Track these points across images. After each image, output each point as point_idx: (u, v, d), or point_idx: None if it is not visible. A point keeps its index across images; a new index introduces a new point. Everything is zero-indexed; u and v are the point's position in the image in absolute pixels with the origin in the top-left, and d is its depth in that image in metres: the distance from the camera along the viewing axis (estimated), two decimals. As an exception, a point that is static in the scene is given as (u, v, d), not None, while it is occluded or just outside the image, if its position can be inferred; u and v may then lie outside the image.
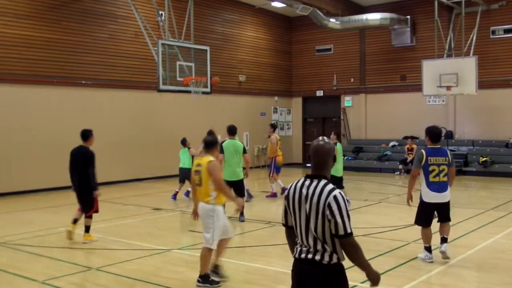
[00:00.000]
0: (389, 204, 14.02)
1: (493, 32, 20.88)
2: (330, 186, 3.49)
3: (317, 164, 3.60)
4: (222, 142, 11.17)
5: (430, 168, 7.59)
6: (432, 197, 7.63)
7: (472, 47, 19.56)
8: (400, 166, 20.85)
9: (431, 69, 19.25)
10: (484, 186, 17.59)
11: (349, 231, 3.41)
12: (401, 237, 9.40)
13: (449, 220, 7.90)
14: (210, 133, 8.65)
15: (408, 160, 20.56)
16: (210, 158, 6.62)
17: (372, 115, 23.93)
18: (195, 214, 6.93)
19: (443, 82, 18.84)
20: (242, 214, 11.24)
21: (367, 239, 9.13)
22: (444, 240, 7.77)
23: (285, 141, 24.83)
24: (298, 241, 3.62)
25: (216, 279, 6.72)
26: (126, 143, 18.47)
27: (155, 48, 14.84)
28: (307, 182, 3.55)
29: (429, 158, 7.59)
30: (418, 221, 7.89)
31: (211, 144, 6.79)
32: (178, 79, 15.16)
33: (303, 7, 20.24)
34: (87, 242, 9.25)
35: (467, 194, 15.81)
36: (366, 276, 3.56)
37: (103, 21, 17.91)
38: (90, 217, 9.42)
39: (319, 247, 3.48)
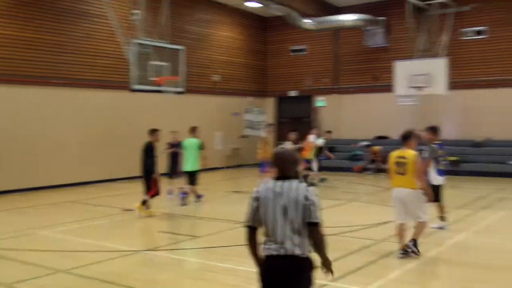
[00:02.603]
0: (361, 204, 14.17)
1: (465, 34, 21.21)
2: (303, 183, 3.95)
3: (282, 168, 4.02)
4: (183, 141, 13.61)
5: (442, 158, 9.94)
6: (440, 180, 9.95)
7: (444, 48, 19.84)
8: (371, 166, 21.09)
9: (404, 70, 19.48)
10: (453, 185, 17.68)
11: (320, 220, 3.86)
12: (372, 236, 9.51)
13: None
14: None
15: (375, 161, 20.89)
16: (413, 151, 7.92)
17: (345, 115, 24.09)
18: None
19: (415, 82, 19.09)
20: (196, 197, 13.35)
21: (339, 238, 9.19)
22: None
23: (258, 141, 24.79)
24: (269, 239, 3.89)
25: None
26: (100, 143, 18.29)
27: (129, 47, 14.72)
28: (279, 183, 3.95)
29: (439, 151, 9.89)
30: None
31: (406, 136, 8.10)
32: (152, 78, 15.05)
33: (278, 7, 20.30)
34: (132, 209, 11.73)
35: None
36: (322, 264, 3.99)
37: (77, 20, 17.66)
38: (151, 196, 11.60)
39: (295, 239, 3.82)
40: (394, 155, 8.07)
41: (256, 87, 25.97)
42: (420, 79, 18.96)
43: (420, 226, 8.10)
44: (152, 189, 11.58)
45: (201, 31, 22.72)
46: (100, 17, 18.02)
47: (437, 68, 18.79)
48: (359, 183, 18.42)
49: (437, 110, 20.93)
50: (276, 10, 20.82)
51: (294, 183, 3.92)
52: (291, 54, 25.78)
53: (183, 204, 13.10)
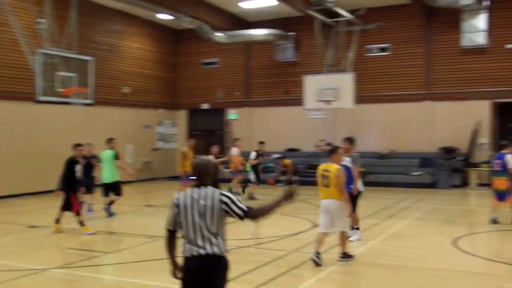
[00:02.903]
0: (272, 215, 14.30)
1: (369, 50, 22.25)
2: (217, 189, 4.32)
3: (200, 177, 4.38)
4: (100, 153, 13.73)
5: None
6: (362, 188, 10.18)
7: (351, 64, 20.65)
8: (282, 178, 21.50)
9: (313, 84, 20.04)
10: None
11: (246, 208, 4.28)
12: (283, 247, 9.65)
13: None
14: (329, 144, 9.74)
15: (286, 173, 21.29)
16: (336, 165, 8.29)
17: (257, 128, 24.37)
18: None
19: (323, 96, 19.67)
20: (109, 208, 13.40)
21: (252, 250, 9.27)
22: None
23: (170, 154, 24.59)
24: (189, 242, 4.20)
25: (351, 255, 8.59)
26: (1, 157, 17.34)
27: (34, 57, 14.10)
28: (197, 190, 4.30)
29: None
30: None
31: (331, 151, 8.60)
32: (59, 90, 14.50)
33: (189, 20, 20.29)
34: (82, 234, 10.90)
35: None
36: (282, 202, 4.51)
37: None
38: (76, 214, 10.98)
39: (213, 240, 4.18)
40: (321, 168, 8.47)
41: (167, 99, 25.74)
42: (329, 93, 19.57)
43: (344, 237, 8.53)
44: (75, 205, 11.05)
45: (111, 42, 22.26)
46: (2, 25, 17.15)
47: (344, 83, 19.49)
48: (271, 195, 18.64)
49: (345, 123, 21.72)
50: (187, 23, 20.80)
51: (210, 189, 4.29)
52: (203, 67, 25.83)
53: (110, 215, 13.32)
